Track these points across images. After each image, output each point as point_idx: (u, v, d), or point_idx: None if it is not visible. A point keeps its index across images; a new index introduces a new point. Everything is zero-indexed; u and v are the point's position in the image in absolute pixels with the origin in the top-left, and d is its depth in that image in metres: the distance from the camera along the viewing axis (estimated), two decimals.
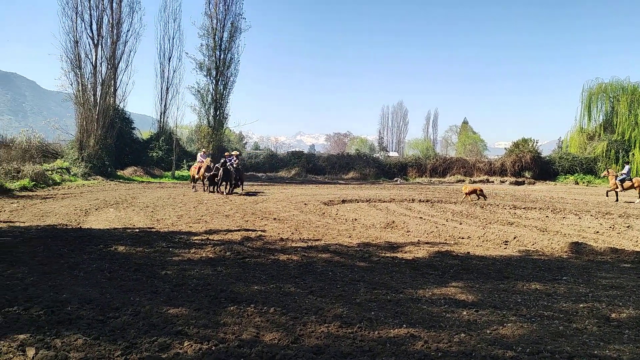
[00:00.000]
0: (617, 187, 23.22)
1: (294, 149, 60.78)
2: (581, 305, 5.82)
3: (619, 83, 42.31)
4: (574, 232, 12.24)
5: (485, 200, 20.58)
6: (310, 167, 44.33)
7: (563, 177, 40.85)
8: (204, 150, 25.91)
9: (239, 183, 23.25)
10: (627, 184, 23.16)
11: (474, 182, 40.35)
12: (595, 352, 4.24)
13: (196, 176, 23.33)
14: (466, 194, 20.94)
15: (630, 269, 8.35)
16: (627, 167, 24.37)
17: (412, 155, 54.64)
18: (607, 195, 24.20)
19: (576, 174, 40.50)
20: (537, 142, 44.74)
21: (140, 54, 35.76)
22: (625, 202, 22.90)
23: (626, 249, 9.84)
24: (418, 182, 40.11)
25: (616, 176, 23.47)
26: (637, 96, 40.92)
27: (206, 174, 22.54)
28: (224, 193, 21.50)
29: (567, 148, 45.34)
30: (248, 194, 22.64)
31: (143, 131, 41.49)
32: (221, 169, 21.29)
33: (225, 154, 23.62)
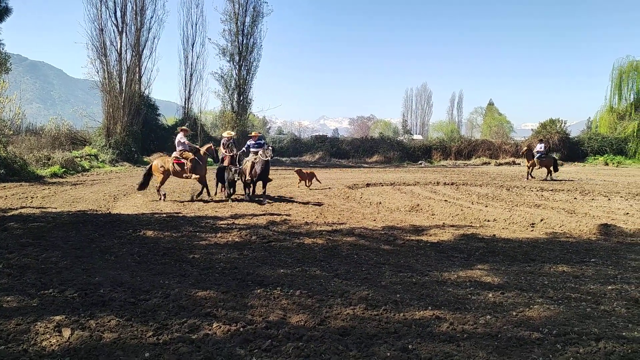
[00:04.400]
0: (534, 165, 23.26)
1: (317, 133, 60.67)
2: (609, 287, 5.75)
3: None
4: (603, 214, 12.00)
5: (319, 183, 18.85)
6: (334, 151, 44.24)
7: (592, 158, 39.89)
8: (183, 129, 14.51)
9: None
10: (543, 162, 23.29)
11: (500, 164, 39.73)
12: (624, 333, 4.20)
13: (186, 175, 13.78)
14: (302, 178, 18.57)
15: None
16: (541, 145, 24.17)
17: (437, 138, 53.98)
18: (529, 177, 23.59)
19: (606, 155, 39.46)
20: (565, 123, 43.72)
21: (164, 41, 35.99)
22: (542, 180, 22.80)
23: None
24: (443, 165, 39.73)
25: (533, 155, 23.31)
26: None
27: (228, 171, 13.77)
28: (258, 200, 13.69)
29: (597, 128, 44.15)
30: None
31: (168, 117, 41.89)
32: (259, 159, 13.54)
33: (253, 133, 15.18)
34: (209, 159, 14.76)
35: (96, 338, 3.90)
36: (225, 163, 14.02)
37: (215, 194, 14.58)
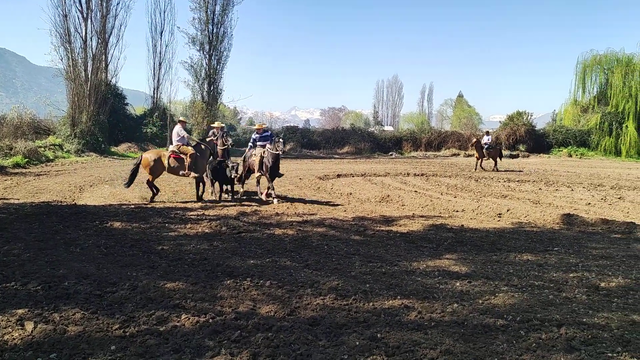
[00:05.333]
0: (484, 157, 24.09)
1: (288, 124, 60.57)
2: (571, 275, 5.93)
3: (614, 54, 41.78)
4: (566, 204, 12.35)
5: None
6: (305, 142, 44.14)
7: (557, 149, 40.85)
8: (181, 120, 12.64)
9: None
10: (490, 153, 24.18)
11: (469, 155, 40.30)
12: (584, 319, 4.34)
13: (183, 173, 11.95)
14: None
15: (620, 239, 8.48)
16: (487, 137, 25.17)
17: (407, 129, 54.34)
18: (477, 167, 24.40)
19: (570, 147, 40.49)
20: (531, 115, 44.65)
21: (131, 29, 35.22)
22: (492, 170, 23.54)
23: (617, 219, 9.97)
24: (413, 156, 40.13)
25: (482, 147, 24.12)
26: (632, 67, 40.49)
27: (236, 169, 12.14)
28: (271, 198, 12.26)
29: (561, 121, 45.15)
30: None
31: (136, 107, 40.98)
32: (268, 153, 12.14)
33: (257, 125, 13.92)
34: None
35: (60, 331, 3.81)
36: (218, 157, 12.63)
37: (212, 193, 12.80)
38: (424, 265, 6.32)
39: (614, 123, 39.46)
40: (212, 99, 38.55)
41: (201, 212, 10.18)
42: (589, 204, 12.54)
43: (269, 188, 12.37)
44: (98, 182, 15.61)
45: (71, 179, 16.17)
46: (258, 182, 12.98)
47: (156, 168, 11.92)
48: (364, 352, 3.61)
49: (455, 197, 13.63)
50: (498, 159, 24.34)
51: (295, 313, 4.45)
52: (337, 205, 11.88)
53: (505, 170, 23.58)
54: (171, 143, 12.52)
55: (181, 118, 12.96)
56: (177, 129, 12.23)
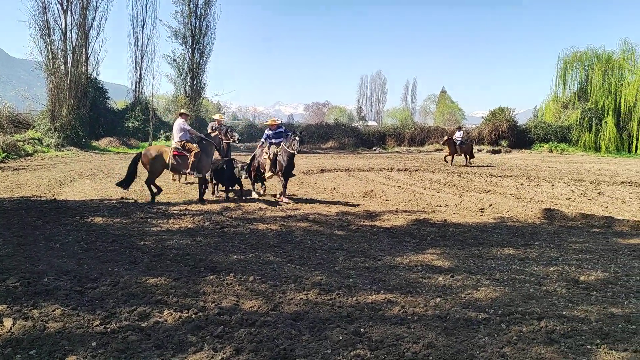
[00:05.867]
0: (456, 152, 24.42)
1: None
2: (552, 268, 6.02)
3: (594, 51, 42.44)
4: (547, 199, 12.51)
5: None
6: None
7: (538, 145, 41.32)
8: (183, 113, 11.34)
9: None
10: (462, 148, 24.62)
11: None
12: (564, 312, 4.41)
13: (186, 171, 10.98)
14: None
15: (599, 233, 8.62)
16: (460, 132, 25.56)
17: (391, 124, 54.42)
18: (446, 161, 24.97)
19: (550, 142, 41.01)
20: (513, 111, 45.04)
21: (112, 21, 35.01)
22: (462, 165, 24.00)
23: (596, 214, 10.13)
24: (397, 151, 40.26)
25: (454, 142, 24.41)
26: (611, 64, 41.22)
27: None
28: (282, 199, 11.43)
29: (543, 116, 45.67)
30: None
31: (118, 101, 40.49)
32: (283, 151, 11.44)
33: (269, 121, 12.61)
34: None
35: (40, 328, 3.75)
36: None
37: (213, 193, 12.26)
38: (407, 260, 6.36)
39: (593, 119, 40.08)
40: (195, 94, 38.33)
41: (184, 207, 10.10)
42: (569, 198, 12.71)
43: (284, 187, 11.63)
44: (79, 176, 15.38)
45: (51, 174, 15.91)
46: (254, 182, 12.48)
47: (157, 166, 10.84)
48: (347, 346, 3.62)
49: (438, 192, 13.72)
50: (469, 155, 24.70)
51: (278, 308, 4.44)
52: (321, 200, 11.88)
53: (488, 166, 23.81)
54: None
55: (182, 111, 11.76)
56: (180, 123, 10.99)
